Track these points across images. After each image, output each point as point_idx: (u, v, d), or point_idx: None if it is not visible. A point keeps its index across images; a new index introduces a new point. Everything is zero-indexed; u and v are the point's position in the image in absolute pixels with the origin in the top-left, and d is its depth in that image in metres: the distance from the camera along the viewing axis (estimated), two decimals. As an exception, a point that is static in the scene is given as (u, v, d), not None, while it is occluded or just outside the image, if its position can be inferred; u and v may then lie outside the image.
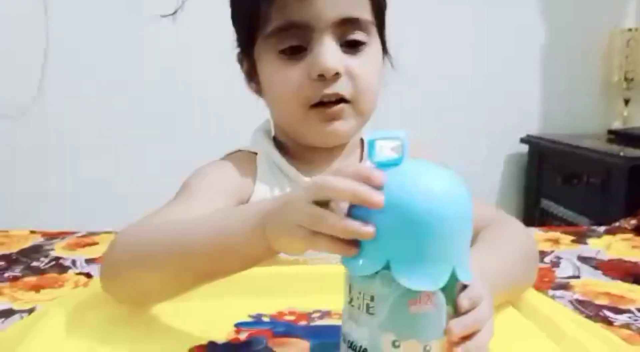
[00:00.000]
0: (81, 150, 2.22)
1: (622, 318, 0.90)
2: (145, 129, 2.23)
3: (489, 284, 0.52)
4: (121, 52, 2.16)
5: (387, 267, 0.39)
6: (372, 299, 0.40)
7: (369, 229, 0.39)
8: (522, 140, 2.38)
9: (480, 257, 0.57)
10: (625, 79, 2.36)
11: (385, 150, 0.41)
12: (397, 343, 0.40)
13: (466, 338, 0.41)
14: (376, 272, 0.40)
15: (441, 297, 0.40)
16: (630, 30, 2.34)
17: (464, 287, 0.43)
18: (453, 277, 0.40)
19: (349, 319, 0.42)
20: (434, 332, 0.40)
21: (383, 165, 0.41)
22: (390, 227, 0.39)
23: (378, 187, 0.39)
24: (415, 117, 2.14)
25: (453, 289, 0.42)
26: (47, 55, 2.14)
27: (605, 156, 1.97)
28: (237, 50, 0.80)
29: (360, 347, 0.41)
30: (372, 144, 0.41)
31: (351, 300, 0.42)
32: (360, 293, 0.41)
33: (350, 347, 0.42)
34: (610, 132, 2.32)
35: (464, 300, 0.41)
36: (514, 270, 0.61)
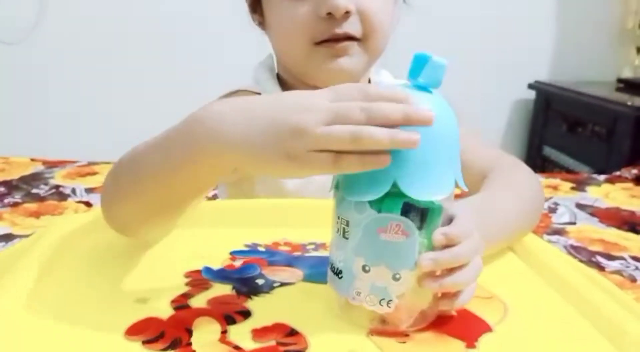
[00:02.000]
0: (81, 76, 2.19)
1: (614, 264, 0.92)
2: (147, 53, 2.19)
3: (491, 229, 0.52)
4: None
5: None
6: (347, 224, 0.42)
7: (416, 134, 0.38)
8: (530, 86, 2.35)
9: (487, 200, 0.57)
10: (640, 26, 2.30)
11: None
12: (367, 268, 0.41)
13: (445, 274, 0.41)
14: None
15: (412, 228, 0.40)
16: (650, -25, 2.26)
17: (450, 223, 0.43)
18: (434, 213, 0.41)
19: (331, 242, 0.44)
20: (405, 262, 0.41)
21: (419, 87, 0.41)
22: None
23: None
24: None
25: (434, 223, 0.42)
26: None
27: (612, 105, 1.94)
28: None
29: (337, 268, 0.43)
30: (424, 60, 0.41)
31: (333, 225, 0.44)
32: (339, 218, 0.43)
33: (330, 268, 0.44)
34: (620, 80, 2.28)
35: (437, 234, 0.41)
36: (519, 216, 0.60)
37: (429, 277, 0.41)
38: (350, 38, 0.69)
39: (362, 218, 0.41)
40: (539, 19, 2.35)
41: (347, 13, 0.67)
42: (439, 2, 2.12)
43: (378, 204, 0.41)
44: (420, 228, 0.41)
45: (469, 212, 0.45)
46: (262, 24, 0.77)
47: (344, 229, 0.42)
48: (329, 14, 0.67)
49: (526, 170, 0.70)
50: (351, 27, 0.68)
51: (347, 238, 0.42)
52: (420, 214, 0.41)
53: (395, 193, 0.40)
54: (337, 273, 0.43)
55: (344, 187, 0.42)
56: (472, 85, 2.26)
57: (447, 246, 0.42)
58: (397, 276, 0.41)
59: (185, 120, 0.45)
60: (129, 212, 0.52)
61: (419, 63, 0.41)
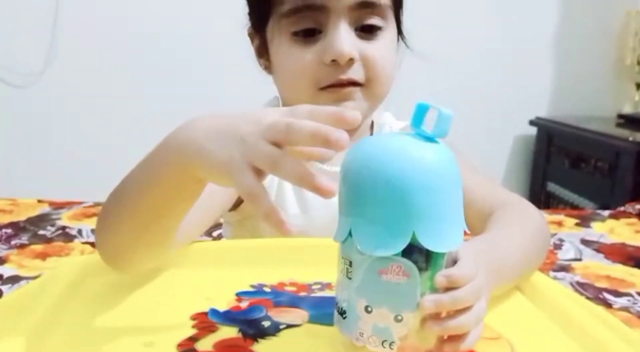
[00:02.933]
0: (89, 118, 2.23)
1: (622, 301, 0.91)
2: (150, 100, 2.23)
3: (498, 270, 0.51)
4: (132, 19, 2.15)
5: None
6: (350, 264, 0.42)
7: (343, 134, 0.39)
8: (531, 123, 2.37)
9: (493, 241, 0.57)
10: (638, 62, 2.33)
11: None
12: (369, 308, 0.41)
13: (448, 316, 0.42)
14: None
15: (414, 269, 0.41)
16: (645, 12, 2.30)
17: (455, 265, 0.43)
18: (438, 255, 0.41)
19: (337, 282, 0.45)
20: (407, 304, 0.41)
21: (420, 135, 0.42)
22: (353, 194, 0.41)
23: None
24: (425, 95, 2.11)
25: (438, 265, 0.42)
26: (56, 24, 2.14)
27: (613, 140, 1.95)
28: (248, 25, 0.79)
29: (342, 308, 0.44)
30: (426, 109, 0.42)
31: (338, 265, 0.44)
32: (343, 258, 0.43)
33: (336, 308, 0.45)
34: (620, 116, 2.30)
35: (439, 276, 0.41)
36: (527, 255, 0.60)
37: (431, 320, 0.41)
38: (354, 83, 0.70)
39: (363, 259, 0.41)
40: (538, 56, 2.39)
41: (351, 60, 0.69)
42: (439, 42, 2.16)
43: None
44: (425, 269, 0.41)
45: (473, 254, 0.45)
46: (268, 68, 0.78)
47: (347, 269, 0.43)
48: (334, 60, 0.68)
49: (531, 208, 0.70)
50: (355, 73, 0.70)
51: (350, 278, 0.42)
52: (425, 255, 0.42)
53: None
54: (342, 313, 0.44)
55: (359, 240, 0.41)
56: (474, 122, 2.28)
57: (449, 289, 0.42)
58: (399, 318, 0.41)
59: (165, 138, 0.49)
60: (119, 236, 0.54)
61: (422, 112, 0.42)
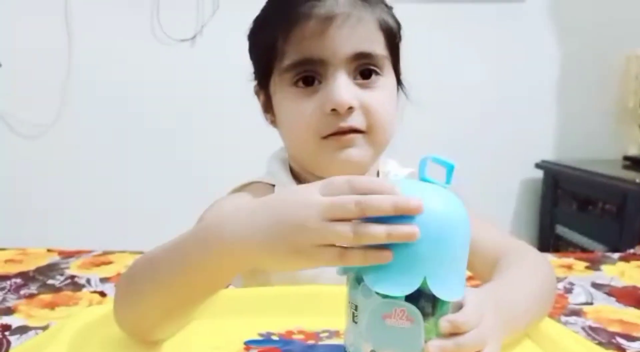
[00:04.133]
0: (96, 169, 2.26)
1: (635, 345, 0.90)
2: (162, 147, 2.26)
3: (510, 318, 0.51)
4: (140, 77, 2.21)
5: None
6: (356, 308, 0.43)
7: (414, 228, 0.40)
8: (537, 166, 2.38)
9: (504, 289, 0.57)
10: (641, 105, 2.35)
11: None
12: None
13: None
14: (358, 283, 0.43)
15: (417, 314, 0.41)
16: (645, 56, 2.34)
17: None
18: (444, 301, 0.42)
19: (345, 327, 0.45)
20: (411, 348, 0.42)
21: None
22: None
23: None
24: (429, 142, 2.14)
25: (444, 310, 0.42)
26: (67, 77, 2.20)
27: (620, 182, 1.95)
28: (254, 82, 0.82)
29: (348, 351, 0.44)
30: (424, 163, 0.44)
31: (346, 309, 0.45)
32: (350, 303, 0.44)
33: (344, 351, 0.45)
34: (626, 158, 2.30)
35: (443, 322, 0.42)
36: (537, 302, 0.60)
37: None
38: (355, 131, 0.72)
39: (368, 303, 0.42)
40: (541, 100, 2.42)
41: (351, 108, 0.70)
42: (442, 89, 2.20)
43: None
44: (431, 315, 0.42)
45: (478, 301, 0.45)
46: (273, 122, 0.80)
47: (353, 313, 0.44)
48: (334, 110, 0.70)
49: (537, 253, 0.70)
50: (355, 121, 0.71)
51: (356, 322, 0.43)
52: (432, 300, 0.42)
53: None
54: None
55: (370, 278, 0.42)
56: (480, 166, 2.29)
57: (455, 334, 0.42)
58: None
59: (200, 224, 0.50)
60: (144, 313, 0.54)
61: (426, 165, 0.44)
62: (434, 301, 0.42)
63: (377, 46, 0.73)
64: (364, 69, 0.72)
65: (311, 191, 0.45)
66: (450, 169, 0.43)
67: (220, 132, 2.23)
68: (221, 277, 0.50)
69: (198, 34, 2.18)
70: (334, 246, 0.42)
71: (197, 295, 0.52)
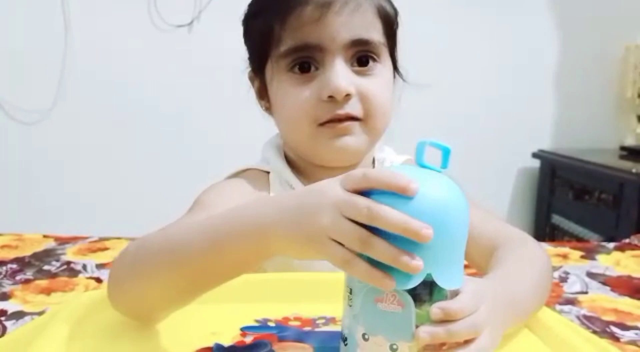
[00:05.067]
0: (94, 155, 2.25)
1: (629, 334, 0.90)
2: (159, 133, 2.26)
3: (512, 307, 0.52)
4: (138, 63, 2.20)
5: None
6: (351, 292, 0.44)
7: (419, 262, 0.40)
8: (534, 155, 2.38)
9: (505, 280, 0.57)
10: (639, 95, 2.35)
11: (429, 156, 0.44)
12: (366, 336, 0.43)
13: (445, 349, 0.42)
14: None
15: (408, 299, 0.41)
16: (644, 46, 2.33)
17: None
18: (438, 288, 0.42)
19: (343, 310, 0.46)
20: (402, 333, 0.42)
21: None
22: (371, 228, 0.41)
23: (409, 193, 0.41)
24: (426, 131, 2.14)
25: (439, 297, 0.42)
26: (64, 63, 2.18)
27: (617, 172, 1.96)
28: (249, 69, 0.81)
29: (344, 335, 0.45)
30: (421, 146, 0.44)
31: (343, 293, 0.45)
32: (346, 286, 0.45)
33: (340, 336, 0.46)
34: (623, 148, 2.31)
35: (434, 308, 0.42)
36: (536, 292, 0.61)
37: (428, 351, 0.41)
38: (352, 118, 0.72)
39: (362, 286, 0.43)
40: (539, 90, 2.42)
41: (348, 95, 0.70)
42: (441, 78, 2.19)
43: None
44: (428, 301, 0.42)
45: (475, 290, 0.45)
46: (268, 109, 0.80)
47: (348, 296, 0.44)
48: (331, 96, 0.70)
49: (534, 243, 0.70)
50: (352, 108, 0.71)
51: (350, 306, 0.44)
52: (429, 287, 0.42)
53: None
54: (344, 340, 0.45)
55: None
56: (478, 155, 2.30)
57: (448, 321, 0.42)
58: (395, 347, 0.42)
59: (228, 210, 0.50)
60: (149, 292, 0.54)
61: (423, 148, 0.44)
62: (431, 287, 0.42)
63: (375, 33, 0.73)
64: (361, 56, 0.72)
65: (333, 183, 0.45)
66: (446, 152, 0.43)
67: (218, 118, 2.22)
68: (245, 262, 0.50)
69: (195, 19, 2.17)
70: (344, 249, 0.42)
71: (213, 278, 0.52)
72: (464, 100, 2.32)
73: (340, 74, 0.70)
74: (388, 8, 0.76)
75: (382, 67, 0.74)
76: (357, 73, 0.72)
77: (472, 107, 2.34)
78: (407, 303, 0.41)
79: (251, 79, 0.81)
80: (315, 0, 0.69)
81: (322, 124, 0.72)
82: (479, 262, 0.70)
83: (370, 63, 0.73)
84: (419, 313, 0.42)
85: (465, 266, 0.46)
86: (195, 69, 2.19)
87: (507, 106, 2.38)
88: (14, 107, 2.20)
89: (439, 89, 2.13)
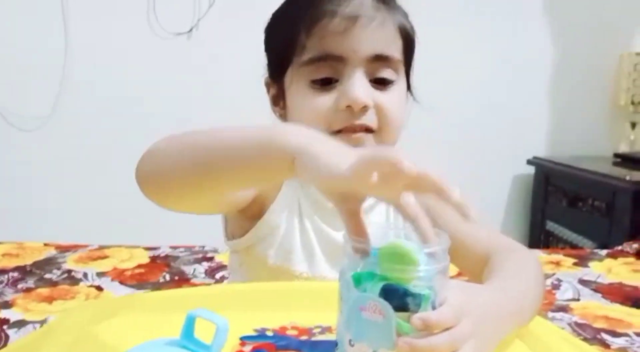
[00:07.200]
0: (95, 164, 2.26)
1: (619, 342, 0.92)
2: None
3: (495, 325, 0.52)
4: (137, 70, 2.21)
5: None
6: (341, 299, 0.47)
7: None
8: (529, 162, 2.40)
9: (500, 291, 0.58)
10: (633, 102, 2.37)
11: None
12: (352, 342, 0.45)
13: None
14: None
15: (389, 309, 0.43)
16: (639, 54, 2.36)
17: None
18: (425, 298, 0.43)
19: (337, 317, 0.48)
20: (384, 342, 0.43)
21: None
22: None
23: None
24: (421, 138, 2.15)
25: (423, 308, 0.44)
26: (63, 70, 2.20)
27: (610, 179, 1.98)
28: (265, 75, 0.82)
29: (336, 339, 0.48)
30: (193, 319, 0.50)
31: (338, 302, 0.48)
32: (339, 295, 0.47)
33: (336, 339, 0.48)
34: (617, 155, 2.33)
35: (415, 318, 0.43)
36: (531, 302, 0.62)
37: None
38: (366, 130, 0.74)
39: (349, 295, 0.45)
40: (535, 98, 2.44)
41: (365, 107, 0.72)
42: (436, 85, 2.20)
43: (363, 286, 0.44)
44: (415, 312, 0.43)
45: (461, 302, 0.46)
46: (282, 116, 0.81)
47: (340, 304, 0.47)
48: (349, 106, 0.72)
49: (526, 252, 0.72)
50: (368, 119, 0.73)
51: (341, 312, 0.47)
52: (417, 297, 0.44)
53: (380, 277, 0.44)
54: (336, 344, 0.47)
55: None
56: (473, 162, 2.31)
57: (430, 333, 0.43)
58: None
59: (267, 127, 0.56)
60: (184, 172, 0.63)
61: (192, 322, 0.50)
62: (419, 298, 0.44)
63: (395, 50, 0.76)
64: (380, 76, 0.74)
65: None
66: (222, 330, 0.46)
67: (217, 125, 2.23)
68: (266, 176, 0.56)
69: (194, 27, 2.18)
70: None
71: (238, 182, 0.60)
72: (459, 108, 2.34)
73: (359, 85, 0.72)
74: (408, 27, 0.79)
75: (398, 84, 0.76)
76: (375, 87, 0.74)
77: (467, 114, 2.35)
78: (387, 313, 0.43)
79: (267, 85, 0.83)
80: (343, 13, 0.72)
81: (336, 132, 0.73)
82: (472, 272, 0.71)
83: (388, 78, 0.75)
84: (402, 323, 0.43)
85: (459, 274, 0.48)
86: (194, 77, 2.21)
87: (502, 113, 2.40)
88: (13, 114, 2.21)
89: (434, 98, 2.14)
